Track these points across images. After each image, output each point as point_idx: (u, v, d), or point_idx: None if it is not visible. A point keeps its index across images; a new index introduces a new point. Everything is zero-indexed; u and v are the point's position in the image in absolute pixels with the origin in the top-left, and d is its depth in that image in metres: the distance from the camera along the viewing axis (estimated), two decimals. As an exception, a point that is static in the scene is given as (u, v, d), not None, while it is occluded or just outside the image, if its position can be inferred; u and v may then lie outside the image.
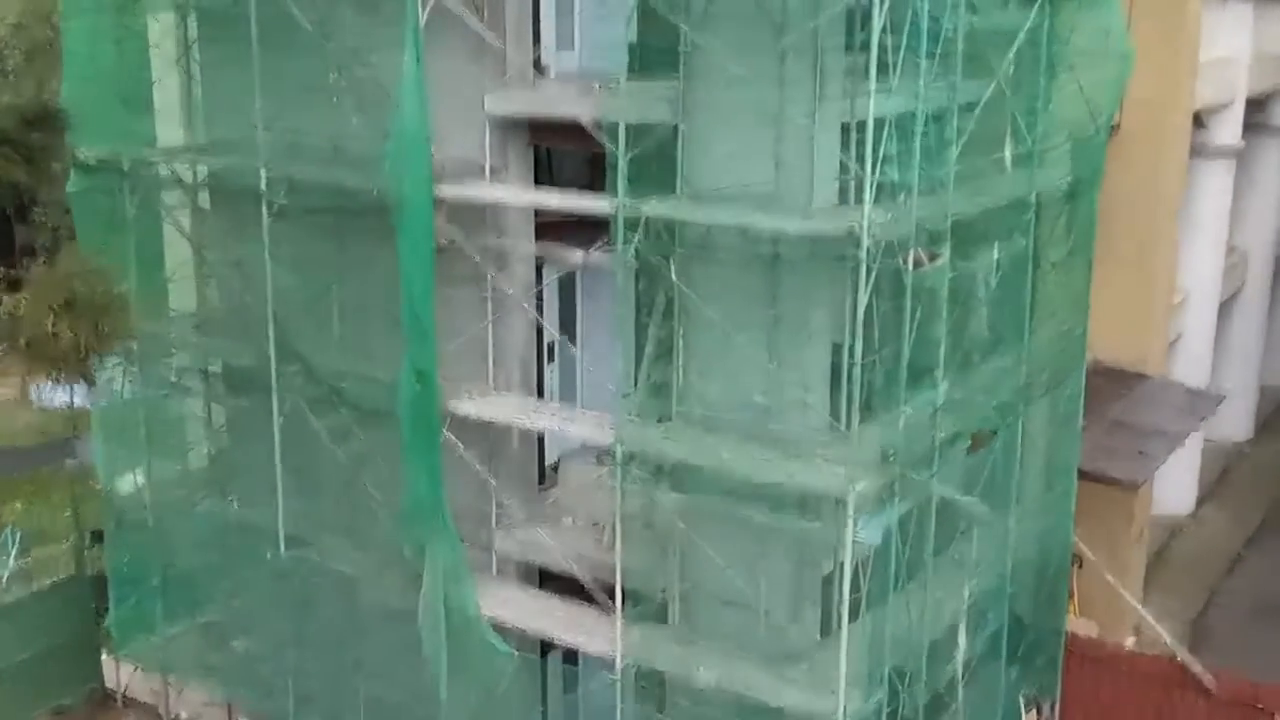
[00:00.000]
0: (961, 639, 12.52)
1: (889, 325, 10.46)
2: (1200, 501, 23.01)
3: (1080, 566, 16.39)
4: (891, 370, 10.54)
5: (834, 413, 10.81)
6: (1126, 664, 15.20)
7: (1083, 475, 14.87)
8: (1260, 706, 14.37)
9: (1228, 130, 21.69)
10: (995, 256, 12.18)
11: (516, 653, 12.40)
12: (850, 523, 10.13)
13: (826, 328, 10.83)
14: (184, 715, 16.56)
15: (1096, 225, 13.76)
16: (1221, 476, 24.26)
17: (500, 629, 12.57)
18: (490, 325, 12.98)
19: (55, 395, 24.33)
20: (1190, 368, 21.57)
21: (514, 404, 12.84)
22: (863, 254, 9.81)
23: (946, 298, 11.16)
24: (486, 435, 13.03)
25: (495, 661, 12.22)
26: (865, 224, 9.79)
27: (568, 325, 13.92)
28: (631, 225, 10.87)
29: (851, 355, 10.15)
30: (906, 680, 11.41)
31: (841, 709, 10.62)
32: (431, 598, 12.37)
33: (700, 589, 11.60)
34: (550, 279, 13.49)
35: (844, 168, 10.54)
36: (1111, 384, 17.73)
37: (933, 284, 10.92)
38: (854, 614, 10.62)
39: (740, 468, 10.65)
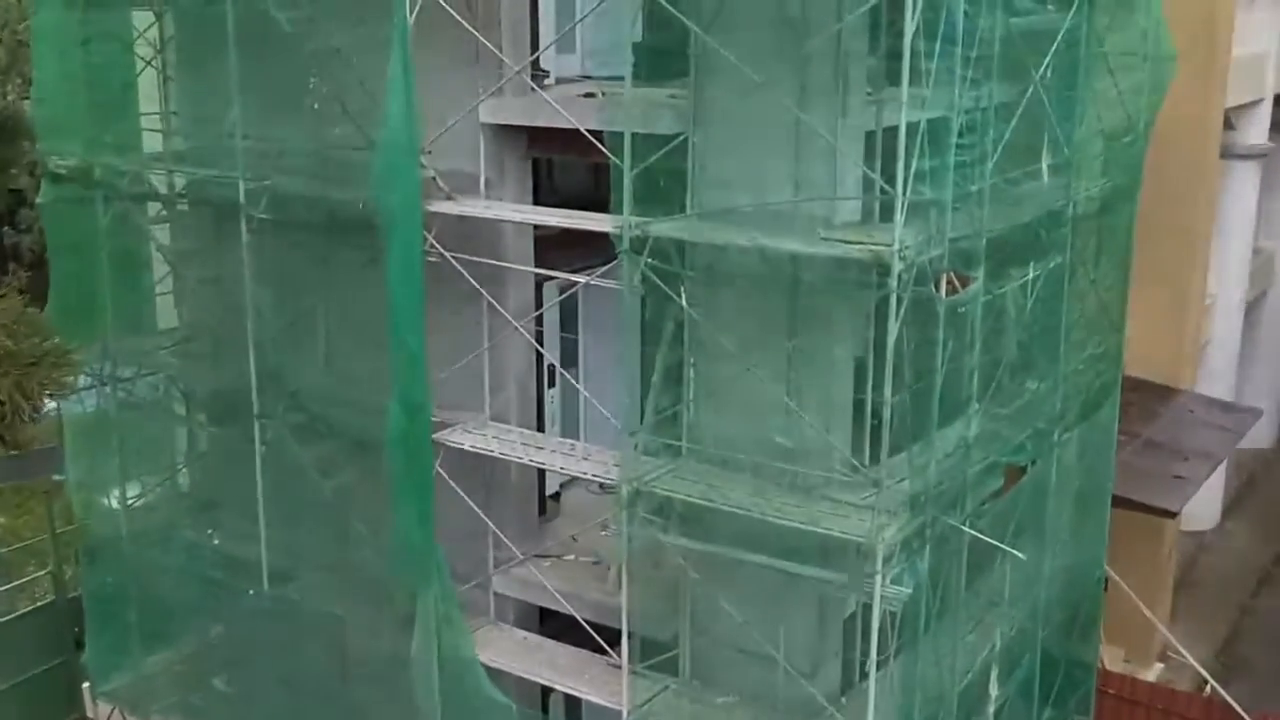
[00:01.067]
0: (993, 686, 11.68)
1: (918, 355, 9.55)
2: (1225, 514, 22.19)
3: (1105, 590, 15.57)
4: (921, 405, 9.65)
5: (858, 452, 9.98)
6: (1162, 704, 14.39)
7: (1117, 502, 14.02)
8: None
9: (1256, 130, 20.86)
10: (1030, 275, 11.29)
11: (515, 705, 11.60)
12: (878, 572, 9.29)
13: (850, 359, 9.98)
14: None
15: (1135, 237, 12.96)
16: (1245, 487, 23.42)
17: (497, 676, 11.76)
18: (486, 349, 12.14)
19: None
20: (1215, 375, 20.70)
21: (513, 438, 12.02)
22: (894, 279, 8.88)
23: (980, 324, 10.28)
24: (482, 464, 12.19)
25: (493, 712, 11.42)
26: (897, 245, 8.87)
27: (569, 348, 13.11)
28: (638, 245, 10.04)
29: (879, 389, 9.29)
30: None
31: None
32: (424, 643, 11.56)
33: (713, 638, 10.76)
34: (551, 299, 12.66)
35: (869, 183, 9.69)
36: (1141, 399, 16.82)
37: (966, 310, 10.04)
38: (880, 665, 9.78)
39: (756, 510, 9.75)
